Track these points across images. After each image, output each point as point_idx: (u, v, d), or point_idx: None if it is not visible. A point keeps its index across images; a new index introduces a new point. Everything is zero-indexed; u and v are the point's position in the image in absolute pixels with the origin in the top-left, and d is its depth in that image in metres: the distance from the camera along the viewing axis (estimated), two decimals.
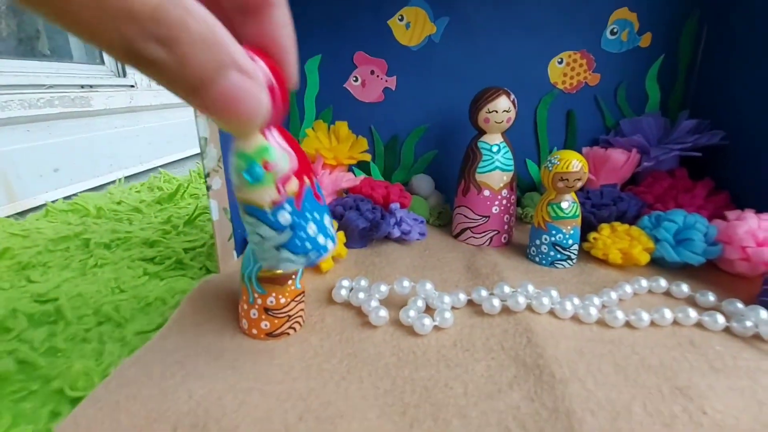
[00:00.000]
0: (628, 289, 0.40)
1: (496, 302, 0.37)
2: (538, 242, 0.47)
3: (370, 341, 0.33)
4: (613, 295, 0.39)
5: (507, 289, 0.39)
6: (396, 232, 0.51)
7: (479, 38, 0.59)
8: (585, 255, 0.49)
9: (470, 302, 0.39)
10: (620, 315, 0.35)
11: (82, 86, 0.99)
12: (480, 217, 0.52)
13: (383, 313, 0.35)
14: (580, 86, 0.60)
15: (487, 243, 0.53)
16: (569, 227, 0.46)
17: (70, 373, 0.29)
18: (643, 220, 0.48)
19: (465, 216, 0.53)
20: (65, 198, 0.79)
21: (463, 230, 0.54)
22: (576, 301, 0.37)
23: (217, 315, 0.36)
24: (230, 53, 0.14)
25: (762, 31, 0.50)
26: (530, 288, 0.39)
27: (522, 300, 0.37)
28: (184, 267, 0.48)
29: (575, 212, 0.46)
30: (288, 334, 0.34)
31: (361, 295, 0.38)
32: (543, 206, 0.46)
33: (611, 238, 0.47)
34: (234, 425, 0.24)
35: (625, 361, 0.31)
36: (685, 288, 0.40)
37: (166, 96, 1.26)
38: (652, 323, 0.36)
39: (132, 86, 1.16)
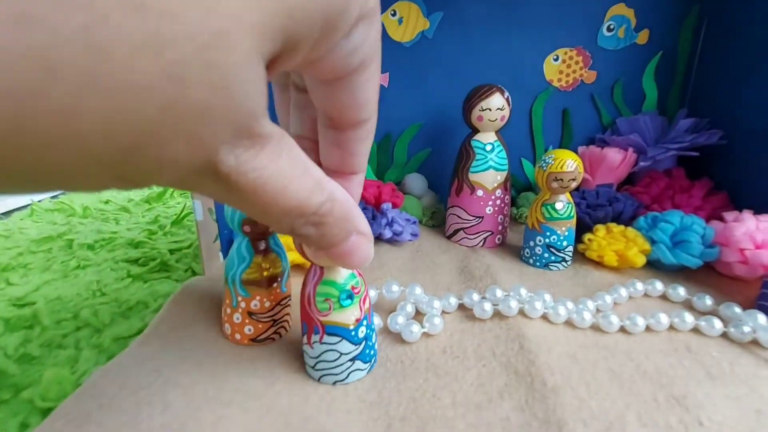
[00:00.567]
0: (624, 292, 0.39)
1: (488, 306, 0.36)
2: (531, 244, 0.46)
3: None
4: (608, 298, 0.38)
5: (499, 293, 0.38)
6: (387, 233, 0.50)
7: (474, 34, 0.58)
8: (580, 257, 0.48)
9: (461, 306, 0.38)
10: (615, 320, 0.34)
11: None
12: (473, 218, 0.51)
13: (374, 319, 0.34)
14: (576, 84, 0.59)
15: (481, 244, 0.52)
16: (564, 228, 0.45)
17: (41, 383, 0.28)
18: (639, 221, 0.47)
19: (458, 216, 0.52)
20: (54, 197, 0.77)
21: (456, 231, 0.53)
22: (570, 305, 0.36)
23: (200, 319, 0.35)
24: (356, 224, 0.18)
25: (763, 28, 0.49)
26: (523, 292, 0.38)
27: (514, 304, 0.36)
28: (168, 269, 0.47)
29: (570, 213, 0.45)
30: (273, 339, 0.33)
31: None
32: (537, 207, 0.45)
33: (606, 240, 0.46)
34: None
35: (620, 368, 0.30)
36: (681, 291, 0.39)
37: None
38: (648, 328, 0.35)
39: None
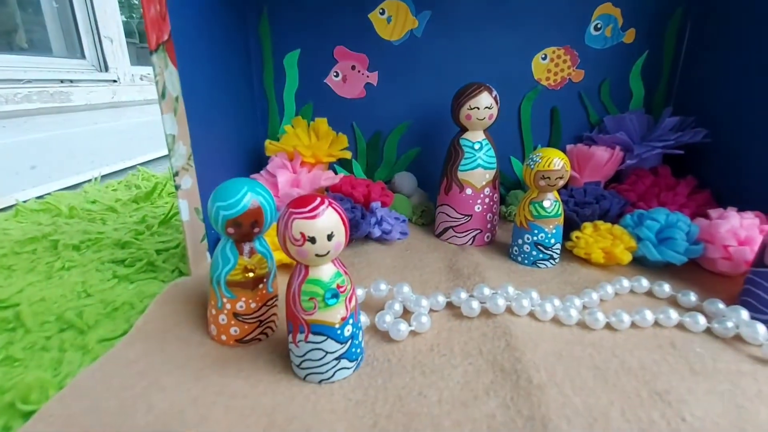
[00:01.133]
0: (610, 289, 0.39)
1: (475, 305, 0.36)
2: (520, 242, 0.47)
3: None
4: (594, 295, 0.38)
5: (487, 291, 0.38)
6: (376, 232, 0.50)
7: (462, 33, 0.58)
8: (568, 254, 0.48)
9: (449, 304, 0.38)
10: (601, 317, 0.35)
11: (62, 81, 0.95)
12: (462, 216, 0.51)
13: (360, 318, 0.34)
14: (564, 82, 0.60)
15: (470, 242, 0.52)
16: (551, 226, 0.45)
17: (22, 385, 0.27)
18: (626, 218, 0.47)
19: (447, 215, 0.52)
20: (39, 197, 0.76)
21: (446, 229, 0.53)
22: (556, 302, 0.37)
23: (185, 320, 0.35)
24: None
25: (746, 28, 0.49)
26: (510, 289, 0.38)
27: (501, 302, 0.36)
28: (155, 269, 0.46)
29: (557, 211, 0.45)
30: (259, 339, 0.33)
31: None
32: (525, 205, 0.46)
33: (594, 237, 0.46)
34: None
35: (605, 365, 0.30)
36: (666, 288, 0.40)
37: (150, 91, 1.23)
38: (633, 324, 0.35)
39: (114, 81, 1.12)
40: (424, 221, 0.59)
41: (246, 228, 0.30)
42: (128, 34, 1.21)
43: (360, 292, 0.38)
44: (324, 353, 0.27)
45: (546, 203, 0.45)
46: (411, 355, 0.31)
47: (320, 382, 0.28)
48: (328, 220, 0.25)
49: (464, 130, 0.50)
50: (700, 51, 0.56)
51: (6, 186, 0.74)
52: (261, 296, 0.32)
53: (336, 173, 0.60)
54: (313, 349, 0.27)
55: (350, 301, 0.28)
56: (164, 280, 0.44)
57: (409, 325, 0.33)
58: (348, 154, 0.57)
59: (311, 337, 0.27)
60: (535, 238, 0.45)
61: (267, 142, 0.56)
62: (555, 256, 0.46)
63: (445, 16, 0.57)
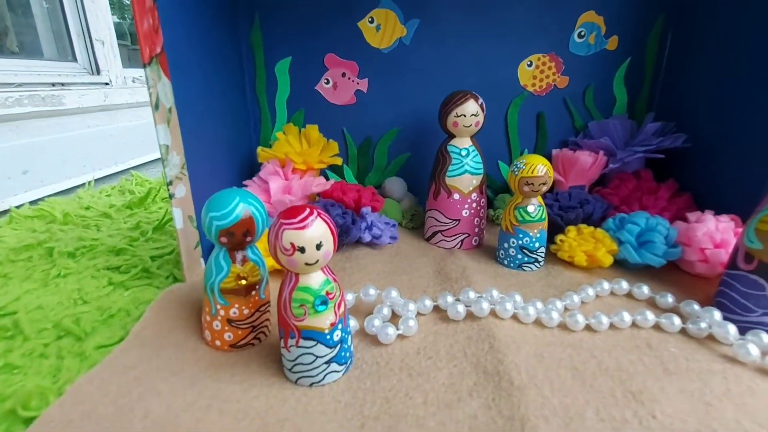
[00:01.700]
0: (591, 292, 0.41)
1: (461, 308, 0.37)
2: (506, 245, 0.48)
3: None
4: (576, 298, 0.40)
5: (472, 295, 0.39)
6: (367, 237, 0.51)
7: (449, 40, 0.59)
8: (552, 257, 0.50)
9: (436, 308, 0.39)
10: (581, 319, 0.36)
11: (54, 84, 0.95)
12: (450, 221, 0.52)
13: (350, 322, 0.35)
14: (549, 89, 0.61)
15: (458, 246, 0.53)
16: (536, 231, 0.46)
17: (23, 392, 0.28)
18: (608, 222, 0.49)
19: (436, 219, 0.54)
20: (32, 202, 0.76)
21: (435, 233, 0.54)
22: (539, 305, 0.38)
23: (180, 326, 0.36)
24: None
25: (725, 35, 0.51)
26: (495, 293, 0.39)
27: (486, 306, 0.37)
28: (150, 276, 0.47)
29: (541, 215, 0.46)
30: (253, 344, 0.34)
31: None
32: (510, 210, 0.47)
33: (577, 241, 0.48)
34: None
35: (583, 366, 0.32)
36: (645, 290, 0.41)
37: (143, 94, 1.22)
38: (612, 326, 0.37)
39: (107, 84, 1.12)
40: (413, 225, 0.60)
41: (238, 237, 0.31)
42: (120, 35, 1.21)
43: (350, 296, 0.39)
44: (314, 357, 0.29)
45: (530, 208, 0.46)
46: (398, 358, 0.33)
47: (311, 385, 0.29)
48: (317, 231, 0.26)
49: (452, 136, 0.51)
50: (681, 58, 0.57)
51: None
52: (254, 303, 0.34)
53: (328, 179, 0.62)
54: (303, 354, 0.29)
55: (339, 307, 0.29)
56: (159, 287, 0.45)
57: (397, 329, 0.35)
58: (338, 161, 0.58)
59: (302, 342, 0.28)
60: (520, 242, 0.47)
61: (259, 149, 0.57)
62: (540, 259, 0.48)
63: (433, 25, 0.59)
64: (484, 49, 0.59)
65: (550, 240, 0.50)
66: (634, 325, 0.37)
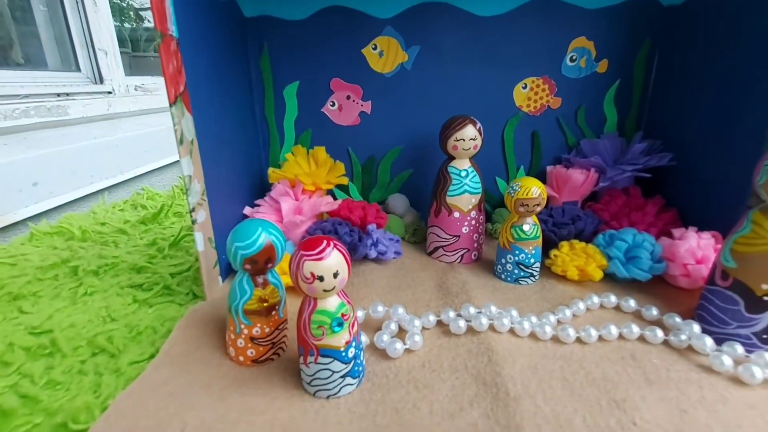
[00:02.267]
0: (582, 305, 0.44)
1: (462, 323, 0.41)
2: (503, 261, 0.51)
3: None
4: (568, 312, 0.43)
5: (472, 310, 0.42)
6: (373, 253, 0.55)
7: (448, 65, 0.63)
8: (547, 270, 0.53)
9: (439, 322, 0.42)
10: (572, 332, 0.40)
11: (59, 95, 0.97)
12: (451, 237, 0.56)
13: (362, 339, 0.39)
14: (543, 109, 0.65)
15: (459, 260, 0.57)
16: (531, 248, 0.50)
17: (72, 407, 0.32)
18: (598, 238, 0.52)
19: (437, 235, 0.57)
20: (46, 212, 0.79)
21: (436, 248, 0.58)
22: (534, 319, 0.41)
23: (205, 344, 0.39)
24: None
25: (707, 58, 0.54)
26: (493, 308, 0.42)
27: (485, 321, 0.41)
28: (171, 293, 0.51)
29: (536, 233, 0.50)
30: (273, 359, 0.38)
31: None
32: (507, 228, 0.50)
33: (569, 256, 0.51)
34: None
35: (573, 376, 0.35)
36: (632, 303, 0.45)
37: (145, 102, 1.24)
38: (600, 338, 0.40)
39: (110, 93, 1.14)
40: (416, 239, 0.64)
41: (261, 264, 0.35)
42: (120, 42, 1.21)
43: (360, 313, 0.42)
44: (331, 372, 0.32)
45: (526, 227, 0.49)
46: (406, 370, 0.36)
47: (328, 397, 0.33)
48: (334, 261, 0.30)
49: (451, 158, 0.55)
50: (667, 79, 0.61)
51: (11, 204, 0.75)
52: (274, 321, 0.37)
53: (335, 196, 0.65)
54: (321, 369, 0.32)
55: (353, 326, 0.33)
56: (181, 303, 0.48)
57: (404, 344, 0.38)
58: (345, 180, 0.61)
59: (320, 359, 0.32)
60: (516, 258, 0.50)
61: (270, 170, 0.61)
62: (535, 273, 0.51)
63: (433, 51, 0.62)
64: (481, 73, 0.63)
65: (545, 254, 0.53)
66: (620, 337, 0.40)
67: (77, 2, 1.06)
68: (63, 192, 0.88)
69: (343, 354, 0.32)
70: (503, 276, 0.52)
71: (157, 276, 0.54)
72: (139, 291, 0.51)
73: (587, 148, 0.63)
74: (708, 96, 0.54)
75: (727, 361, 0.35)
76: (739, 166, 0.49)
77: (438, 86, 0.64)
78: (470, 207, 0.55)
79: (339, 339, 0.31)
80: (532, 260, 0.50)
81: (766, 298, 0.36)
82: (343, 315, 0.31)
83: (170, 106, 0.40)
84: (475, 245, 0.56)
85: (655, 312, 0.43)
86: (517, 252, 0.50)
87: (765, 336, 0.37)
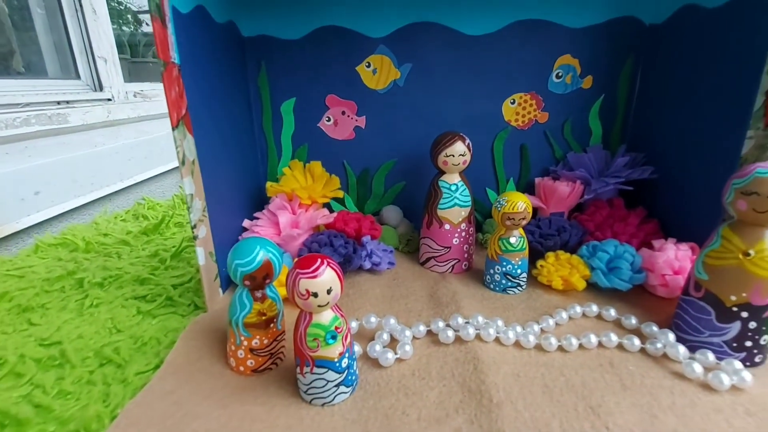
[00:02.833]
0: (564, 315, 0.47)
1: (450, 333, 0.43)
2: (492, 272, 0.54)
3: None
4: (551, 321, 0.45)
5: (460, 320, 0.45)
6: (367, 264, 0.57)
7: (439, 82, 0.65)
8: (534, 280, 0.55)
9: (429, 332, 0.45)
10: (554, 341, 0.42)
11: (59, 102, 0.98)
12: (442, 248, 0.58)
13: (355, 349, 0.41)
14: (531, 123, 0.67)
15: (450, 270, 0.59)
16: (517, 259, 0.52)
17: (83, 416, 0.34)
18: (582, 249, 0.54)
19: (429, 246, 0.59)
20: (48, 220, 0.80)
21: (428, 259, 0.60)
22: (518, 329, 0.44)
23: (207, 354, 0.42)
24: None
25: (687, 74, 0.57)
26: (480, 318, 0.45)
27: (472, 330, 0.43)
28: (174, 304, 0.53)
29: (522, 246, 0.52)
30: (271, 369, 0.40)
31: None
32: (494, 241, 0.53)
33: (555, 266, 0.54)
34: None
35: (553, 383, 0.37)
36: (613, 312, 0.47)
37: (144, 108, 1.24)
38: (581, 346, 0.42)
39: (109, 100, 1.15)
40: (409, 249, 0.66)
41: (259, 280, 0.37)
42: (118, 48, 1.21)
43: (354, 324, 0.45)
44: (326, 382, 0.34)
45: (512, 239, 0.52)
46: (396, 379, 0.38)
47: (323, 405, 0.35)
48: (327, 278, 0.32)
49: (442, 173, 0.57)
50: (649, 94, 0.63)
51: (13, 213, 0.77)
52: (272, 333, 0.39)
53: (332, 208, 0.67)
54: (316, 379, 0.34)
55: (346, 338, 0.35)
56: (183, 315, 0.51)
57: (395, 353, 0.40)
58: (340, 194, 0.64)
59: (315, 370, 0.34)
60: (504, 269, 0.52)
61: (268, 184, 0.63)
62: (522, 283, 0.53)
63: (424, 68, 0.64)
64: (470, 89, 0.65)
65: (533, 264, 0.55)
66: (600, 345, 0.43)
67: (76, 10, 1.07)
68: (64, 200, 0.89)
69: (337, 364, 0.34)
70: (492, 286, 0.54)
71: (159, 287, 0.56)
72: (142, 302, 0.53)
73: (573, 160, 0.66)
74: (688, 111, 0.57)
75: (698, 368, 0.38)
76: (716, 180, 0.52)
77: (429, 102, 0.66)
78: (460, 219, 0.57)
79: (333, 350, 0.34)
80: (519, 271, 0.52)
81: (734, 308, 0.39)
82: (336, 328, 0.34)
83: (173, 129, 0.42)
84: (466, 256, 0.59)
85: (634, 321, 0.46)
86: (504, 263, 0.52)
87: (735, 344, 0.40)
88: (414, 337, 0.44)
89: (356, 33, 0.63)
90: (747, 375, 0.37)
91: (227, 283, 0.54)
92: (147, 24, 2.13)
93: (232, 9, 0.58)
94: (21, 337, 0.46)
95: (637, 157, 0.63)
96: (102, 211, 0.93)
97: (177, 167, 1.35)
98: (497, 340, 0.43)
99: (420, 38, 0.63)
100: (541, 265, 0.55)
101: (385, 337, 0.43)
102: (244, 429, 0.32)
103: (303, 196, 0.60)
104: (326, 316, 0.33)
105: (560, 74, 0.64)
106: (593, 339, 0.42)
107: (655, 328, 0.44)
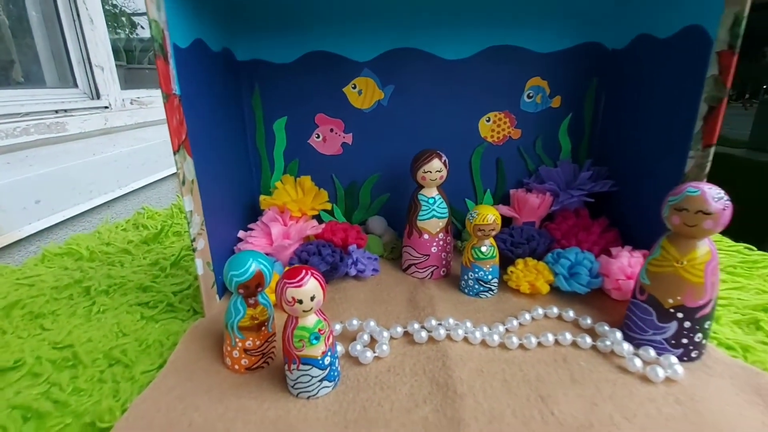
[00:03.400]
0: (528, 316, 0.52)
1: (424, 334, 0.48)
2: (466, 277, 0.59)
3: None
4: (515, 322, 0.51)
5: (434, 322, 0.50)
6: (353, 271, 0.62)
7: (420, 102, 0.70)
8: (505, 284, 0.60)
9: (406, 333, 0.50)
10: (515, 339, 0.47)
11: (57, 111, 0.99)
12: (422, 255, 0.63)
13: (337, 349, 0.46)
14: (505, 139, 0.72)
15: (429, 276, 0.64)
16: (488, 266, 0.57)
17: (97, 410, 0.39)
18: (548, 256, 0.60)
19: (410, 254, 0.64)
20: (49, 228, 0.83)
21: (410, 266, 0.65)
22: (485, 329, 0.49)
23: (206, 355, 0.46)
24: None
25: (643, 96, 0.62)
26: (451, 320, 0.50)
27: (443, 331, 0.48)
28: (174, 310, 0.57)
29: (493, 254, 0.57)
30: (263, 367, 0.45)
31: None
32: (468, 249, 0.58)
33: (523, 272, 0.59)
34: None
35: (511, 377, 0.43)
36: (571, 313, 0.52)
37: (141, 115, 1.26)
38: (540, 344, 0.48)
39: (106, 107, 1.16)
40: (393, 256, 0.71)
41: (252, 288, 0.42)
42: (114, 54, 1.22)
43: (338, 326, 0.50)
44: (310, 377, 0.39)
45: (483, 248, 0.57)
46: (374, 375, 0.43)
47: (308, 398, 0.40)
48: (311, 287, 0.37)
49: (421, 186, 0.62)
50: (613, 113, 0.69)
51: (16, 221, 0.79)
52: (263, 335, 0.44)
53: (321, 218, 0.72)
54: (302, 375, 0.39)
55: (328, 339, 0.40)
56: (183, 319, 0.55)
57: (374, 352, 0.45)
58: (328, 206, 0.69)
59: (301, 367, 0.39)
60: (476, 275, 0.58)
61: (261, 197, 0.68)
62: (493, 288, 0.59)
63: (406, 89, 0.70)
64: (449, 108, 0.70)
65: (504, 270, 0.61)
66: (557, 343, 0.48)
67: (74, 19, 1.09)
68: (64, 208, 0.90)
69: (321, 362, 0.39)
70: (466, 290, 0.59)
71: (161, 294, 0.61)
72: (145, 308, 0.58)
73: (544, 173, 0.71)
74: (643, 130, 0.62)
75: (638, 362, 0.43)
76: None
77: (411, 120, 0.71)
78: (438, 230, 0.62)
79: (317, 350, 0.39)
80: (490, 277, 0.58)
81: (671, 310, 0.44)
82: (319, 330, 0.39)
83: (174, 153, 0.47)
84: (443, 263, 0.64)
85: (589, 321, 0.51)
86: (476, 270, 0.57)
87: (673, 341, 0.45)
88: (391, 338, 0.49)
89: (343, 57, 0.68)
90: (679, 368, 0.42)
91: (223, 290, 0.59)
92: (142, 27, 2.12)
93: (227, 37, 0.63)
94: (36, 341, 0.51)
95: (602, 170, 0.68)
96: (104, 221, 0.98)
97: (173, 174, 1.40)
98: (465, 339, 0.49)
99: (402, 62, 0.68)
100: (511, 271, 0.60)
101: (366, 337, 0.48)
102: (239, 419, 0.37)
103: (294, 209, 0.65)
104: (310, 320, 0.38)
105: (531, 95, 0.70)
106: (550, 337, 0.47)
107: (606, 328, 0.49)
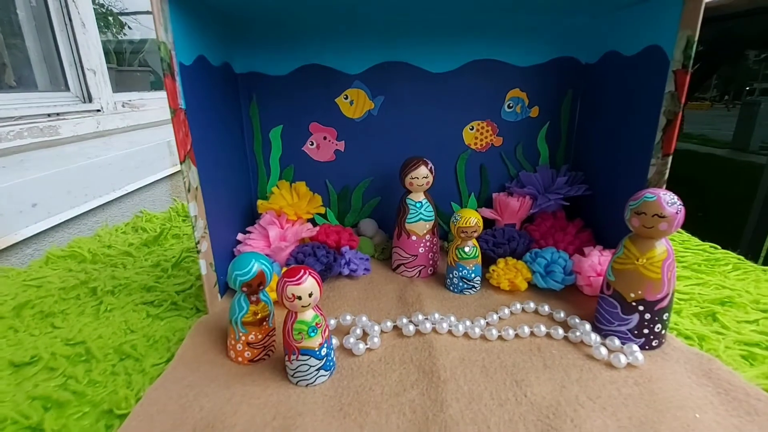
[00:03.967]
0: (507, 311, 0.57)
1: (412, 327, 0.52)
2: (451, 276, 0.63)
3: None
4: (495, 316, 0.55)
5: (421, 317, 0.54)
6: (345, 271, 0.66)
7: (408, 112, 0.75)
8: (487, 282, 0.65)
9: (395, 327, 0.54)
10: (495, 331, 0.52)
11: (49, 115, 1.00)
12: (410, 256, 0.68)
13: (332, 341, 0.50)
14: (488, 146, 0.77)
15: (417, 275, 0.69)
16: (471, 265, 0.62)
17: (113, 399, 0.42)
18: (526, 255, 0.65)
19: (399, 254, 0.69)
20: (45, 231, 0.85)
21: (399, 265, 0.69)
22: (467, 323, 0.53)
23: (211, 349, 0.50)
24: None
25: (612, 106, 0.67)
26: (437, 315, 0.54)
27: (429, 325, 0.52)
28: (178, 308, 0.61)
29: (475, 254, 0.62)
30: (264, 359, 0.49)
31: None
32: (452, 250, 0.63)
33: (504, 270, 0.64)
34: (233, 424, 0.39)
35: (490, 365, 0.47)
36: (547, 308, 0.57)
37: (133, 118, 1.28)
38: (517, 336, 0.52)
39: (98, 111, 1.17)
40: (383, 257, 0.75)
41: (254, 287, 0.46)
42: (105, 56, 1.22)
43: (333, 321, 0.54)
44: (308, 367, 0.43)
45: (467, 249, 0.62)
46: (366, 364, 0.48)
47: (307, 385, 0.44)
48: (309, 284, 0.41)
49: (409, 191, 0.67)
50: (587, 122, 0.74)
51: (12, 225, 0.80)
52: (265, 330, 0.48)
53: (315, 222, 0.76)
54: (301, 365, 0.43)
55: (325, 332, 0.44)
56: (187, 317, 0.59)
57: (366, 345, 0.50)
58: (322, 210, 0.73)
59: (300, 357, 0.43)
60: (460, 273, 0.62)
61: (259, 202, 0.72)
62: (476, 285, 0.63)
63: (395, 100, 0.74)
64: (435, 117, 0.75)
65: (486, 268, 0.65)
66: (532, 334, 0.53)
67: (66, 22, 1.09)
68: (60, 211, 0.92)
69: (318, 353, 0.43)
70: (451, 288, 0.64)
71: (165, 294, 0.64)
72: (151, 307, 0.61)
73: (524, 178, 0.76)
74: (614, 139, 0.67)
75: (604, 351, 0.48)
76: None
77: (400, 129, 0.76)
78: (425, 231, 0.67)
79: (314, 342, 0.43)
80: (473, 275, 0.62)
81: (634, 303, 0.49)
82: (317, 324, 0.43)
83: (180, 163, 0.51)
84: (431, 262, 0.69)
85: (562, 314, 0.56)
86: (460, 269, 0.62)
87: (636, 332, 0.50)
88: (382, 331, 0.53)
89: (335, 70, 0.73)
90: (640, 355, 0.47)
91: (224, 289, 0.63)
92: (130, 27, 2.09)
93: (226, 52, 0.67)
94: (48, 338, 0.54)
95: (577, 175, 0.74)
96: (102, 224, 1.01)
97: (168, 176, 1.41)
98: (450, 332, 0.53)
99: (390, 75, 0.73)
100: (492, 270, 0.65)
101: (359, 331, 0.52)
102: (244, 403, 0.41)
103: (290, 212, 0.69)
104: (308, 315, 0.43)
105: (511, 105, 0.75)
106: (526, 330, 0.52)
107: (577, 320, 0.54)
